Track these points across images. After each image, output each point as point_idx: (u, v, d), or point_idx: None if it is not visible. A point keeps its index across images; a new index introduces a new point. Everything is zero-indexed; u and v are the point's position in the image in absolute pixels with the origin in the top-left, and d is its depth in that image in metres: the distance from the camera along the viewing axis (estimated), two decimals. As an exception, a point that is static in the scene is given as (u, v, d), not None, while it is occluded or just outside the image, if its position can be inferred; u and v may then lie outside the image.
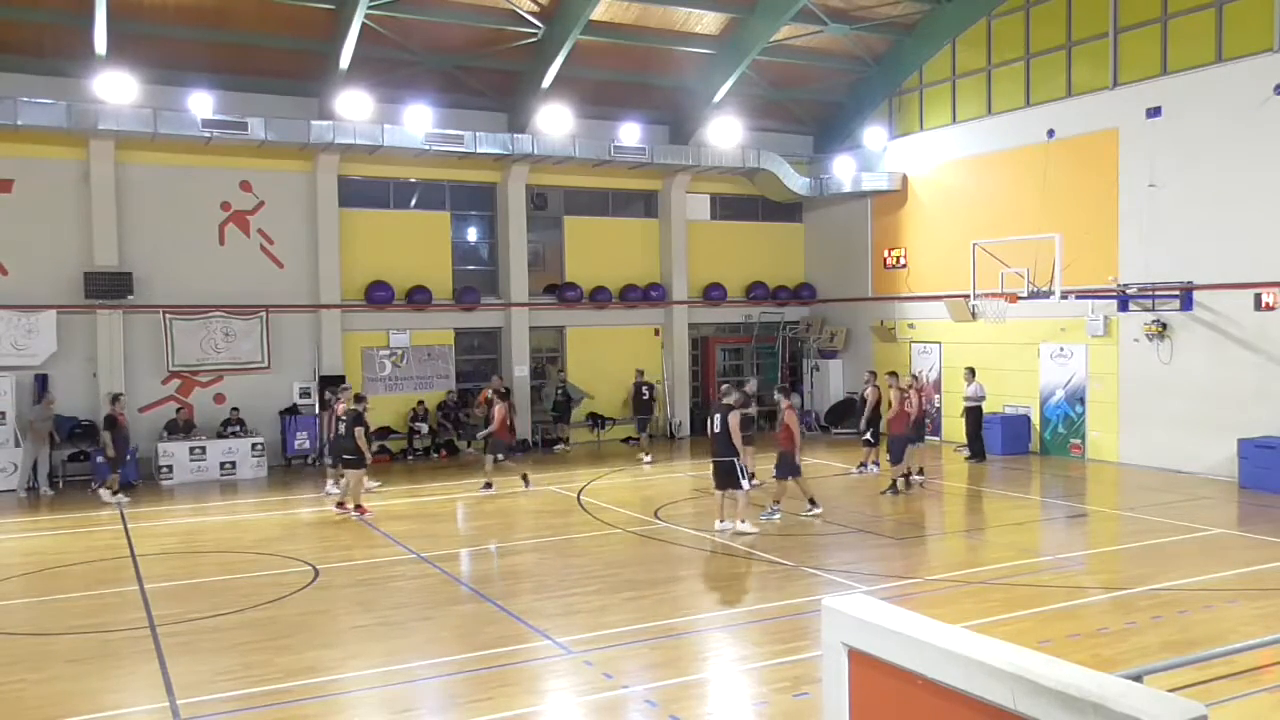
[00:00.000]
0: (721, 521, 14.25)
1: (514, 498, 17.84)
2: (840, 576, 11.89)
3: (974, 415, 20.68)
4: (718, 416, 14.27)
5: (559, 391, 24.14)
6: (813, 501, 15.22)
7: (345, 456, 16.34)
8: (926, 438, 21.99)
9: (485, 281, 24.46)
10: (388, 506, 16.86)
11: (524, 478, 18.16)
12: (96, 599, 11.48)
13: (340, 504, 16.14)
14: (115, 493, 17.59)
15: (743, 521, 14.08)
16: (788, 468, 15.04)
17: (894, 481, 17.14)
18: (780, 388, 16.84)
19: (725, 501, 14.31)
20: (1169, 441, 18.98)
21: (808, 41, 23.52)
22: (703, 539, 13.93)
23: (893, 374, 18.25)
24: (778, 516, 14.98)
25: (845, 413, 25.44)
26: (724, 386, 15.20)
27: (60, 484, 19.19)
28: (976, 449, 20.68)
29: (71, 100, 18.85)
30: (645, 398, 22.74)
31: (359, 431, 16.08)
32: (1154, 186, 19.07)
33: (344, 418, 16.46)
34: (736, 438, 14.06)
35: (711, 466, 14.51)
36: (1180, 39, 18.84)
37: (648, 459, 21.60)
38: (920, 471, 18.12)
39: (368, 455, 16.35)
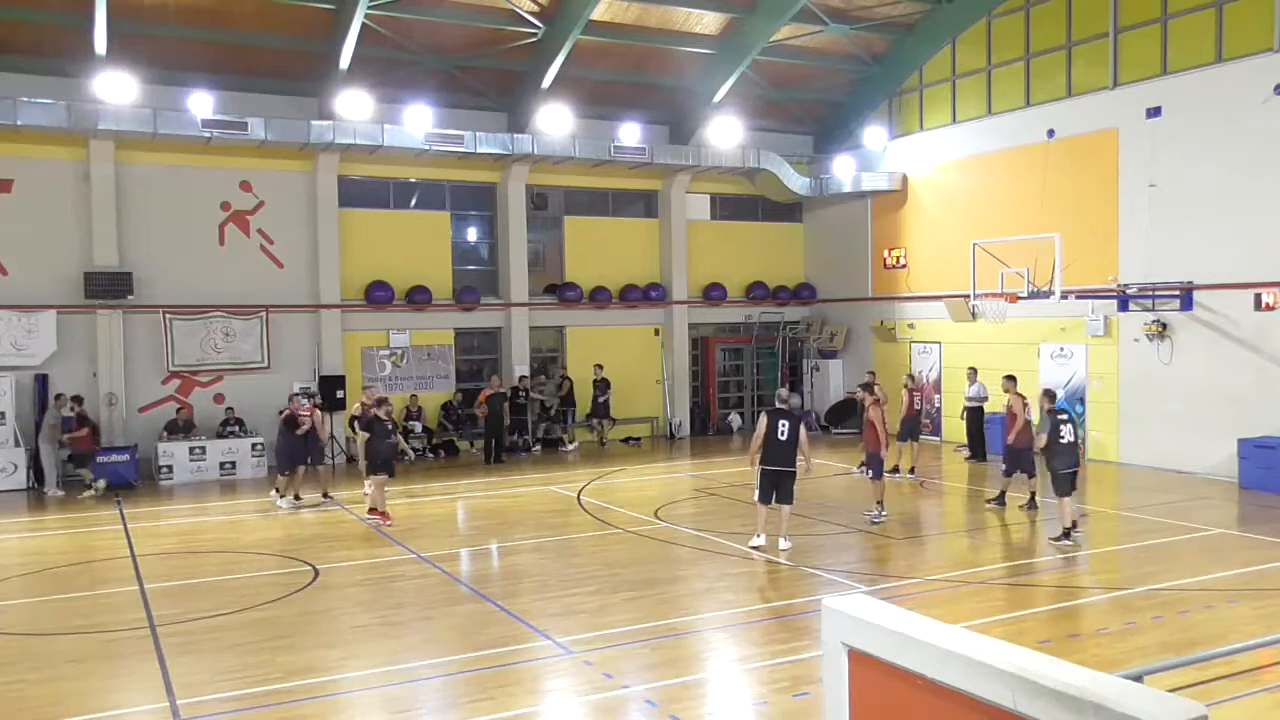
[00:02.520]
0: (759, 537, 13.05)
1: (513, 498, 17.84)
2: (840, 576, 11.89)
3: (975, 416, 20.67)
4: (786, 424, 12.83)
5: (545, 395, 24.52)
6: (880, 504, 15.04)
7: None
8: (927, 437, 22.07)
9: (485, 281, 24.45)
10: (387, 506, 16.81)
11: (125, 483, 18.28)
12: (96, 599, 11.49)
13: (371, 509, 16.04)
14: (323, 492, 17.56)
15: (786, 538, 13.04)
16: (878, 467, 14.90)
17: (1032, 495, 15.65)
18: (862, 384, 16.20)
19: (770, 515, 13.11)
20: (1169, 441, 18.97)
21: (808, 41, 23.51)
22: (703, 539, 13.91)
23: (1011, 378, 16.43)
24: (885, 516, 14.79)
25: (845, 413, 25.43)
26: (781, 392, 13.80)
27: (60, 484, 19.17)
28: (977, 449, 20.66)
29: (71, 100, 18.85)
30: (567, 392, 24.29)
31: (362, 437, 16.00)
32: (1154, 186, 19.07)
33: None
34: (806, 448, 13.07)
35: (766, 475, 12.92)
36: (1180, 39, 18.83)
37: (571, 446, 23.61)
38: (911, 470, 18.30)
39: (360, 463, 15.95)
